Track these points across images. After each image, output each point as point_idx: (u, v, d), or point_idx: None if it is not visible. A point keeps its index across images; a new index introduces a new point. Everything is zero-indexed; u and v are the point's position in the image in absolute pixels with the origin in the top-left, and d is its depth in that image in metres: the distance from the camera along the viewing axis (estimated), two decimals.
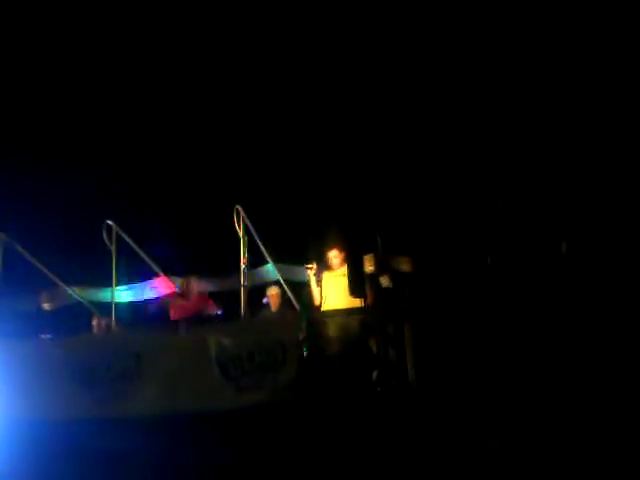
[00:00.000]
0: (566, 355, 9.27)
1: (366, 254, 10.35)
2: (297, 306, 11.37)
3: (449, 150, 12.88)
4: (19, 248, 11.27)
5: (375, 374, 9.65)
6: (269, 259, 11.37)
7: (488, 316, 9.65)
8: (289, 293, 11.59)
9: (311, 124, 14.24)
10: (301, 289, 11.46)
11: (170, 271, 12.36)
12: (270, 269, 11.75)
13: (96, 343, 10.41)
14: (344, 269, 10.38)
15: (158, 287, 12.64)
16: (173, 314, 11.48)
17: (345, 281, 10.24)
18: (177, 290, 11.93)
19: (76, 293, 12.41)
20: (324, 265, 10.60)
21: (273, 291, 11.38)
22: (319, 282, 10.50)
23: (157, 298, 12.50)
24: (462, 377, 9.36)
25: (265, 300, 11.32)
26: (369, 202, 10.76)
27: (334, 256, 10.65)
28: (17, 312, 11.67)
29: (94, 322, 12.10)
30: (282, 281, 11.59)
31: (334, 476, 8.78)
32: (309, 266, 10.51)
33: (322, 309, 10.55)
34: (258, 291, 11.43)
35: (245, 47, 14.37)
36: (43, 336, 11.21)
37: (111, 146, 14.76)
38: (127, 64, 14.55)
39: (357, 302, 10.13)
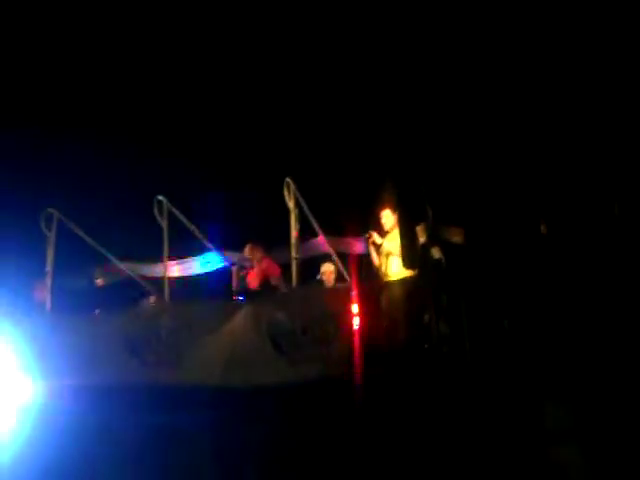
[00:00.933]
0: (622, 327, 9.19)
1: (417, 225, 10.36)
2: (348, 278, 11.33)
3: (501, 117, 12.75)
4: (71, 225, 11.38)
5: (428, 345, 9.63)
6: (320, 231, 11.31)
7: (543, 287, 9.59)
8: (340, 266, 11.57)
9: (361, 93, 14.19)
10: (351, 261, 11.46)
11: (220, 246, 12.40)
12: (320, 242, 11.70)
13: (147, 315, 10.59)
14: (396, 235, 10.38)
15: (209, 262, 12.72)
16: (250, 282, 11.54)
17: (398, 252, 10.26)
18: (241, 260, 11.91)
19: (128, 269, 12.50)
20: (376, 227, 10.61)
21: (327, 268, 11.39)
22: (376, 252, 10.53)
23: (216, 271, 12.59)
24: (516, 349, 9.34)
25: (318, 277, 11.33)
26: (420, 173, 10.67)
27: (386, 216, 10.65)
28: (70, 288, 11.84)
29: (150, 300, 12.23)
30: (333, 254, 11.57)
31: (386, 450, 8.85)
32: (368, 235, 10.53)
33: (377, 280, 10.58)
34: (311, 267, 11.44)
35: (289, 14, 14.34)
36: (97, 311, 11.35)
37: (162, 120, 14.84)
38: (179, 33, 14.61)
39: (410, 273, 10.15)
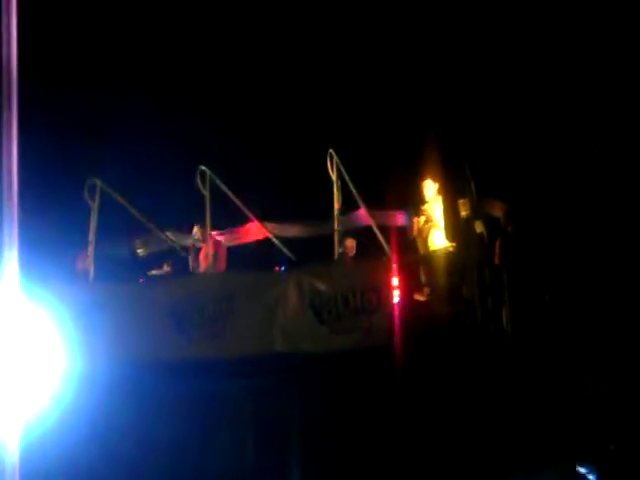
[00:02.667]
0: None
1: (461, 198, 10.39)
2: (388, 250, 11.36)
3: (547, 93, 12.70)
4: (115, 194, 11.48)
5: (468, 319, 9.68)
6: (362, 204, 11.36)
7: (586, 262, 9.60)
8: (380, 238, 11.59)
9: (405, 63, 14.18)
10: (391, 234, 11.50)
11: (262, 217, 12.47)
12: (362, 214, 11.72)
13: (190, 285, 10.66)
14: (436, 206, 10.44)
15: (250, 232, 12.79)
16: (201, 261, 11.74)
17: (438, 224, 10.33)
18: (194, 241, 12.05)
19: (170, 238, 12.63)
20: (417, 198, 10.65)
21: (349, 242, 11.46)
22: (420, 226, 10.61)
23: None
24: (558, 325, 9.37)
25: (340, 250, 11.38)
26: (463, 146, 10.69)
27: (427, 186, 10.70)
28: (113, 258, 11.96)
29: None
30: (375, 227, 11.59)
31: (425, 420, 8.96)
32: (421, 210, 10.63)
33: (418, 252, 10.66)
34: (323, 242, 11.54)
35: None
36: (140, 281, 11.51)
37: (205, 91, 14.93)
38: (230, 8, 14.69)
39: (451, 246, 10.20)
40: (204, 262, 11.74)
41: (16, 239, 3.76)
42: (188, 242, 12.55)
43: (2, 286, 3.73)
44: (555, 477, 8.52)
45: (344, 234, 11.38)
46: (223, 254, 11.97)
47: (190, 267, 11.96)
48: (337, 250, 10.59)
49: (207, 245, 11.68)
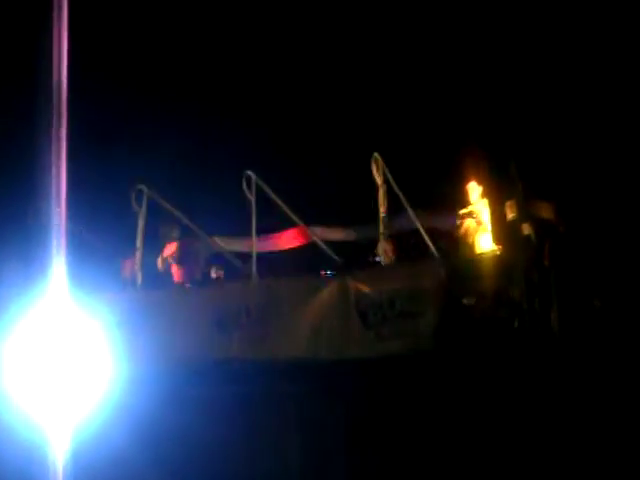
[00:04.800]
0: None
1: (508, 200, 10.43)
2: (436, 254, 11.43)
3: (596, 94, 12.68)
4: (161, 200, 11.70)
5: (517, 323, 9.71)
6: (409, 207, 11.45)
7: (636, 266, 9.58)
8: (428, 240, 11.66)
9: (451, 64, 14.25)
10: (442, 236, 11.58)
11: (310, 222, 12.60)
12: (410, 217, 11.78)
13: (236, 291, 10.87)
14: (482, 208, 10.50)
15: (296, 237, 12.94)
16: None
17: (485, 226, 10.40)
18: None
19: (217, 244, 12.78)
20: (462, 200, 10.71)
21: (386, 245, 11.31)
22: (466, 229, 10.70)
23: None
24: (607, 329, 9.36)
25: (378, 259, 11.46)
26: (512, 147, 10.73)
27: (472, 188, 10.78)
28: (163, 258, 12.14)
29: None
30: (421, 229, 11.66)
31: (472, 427, 9.01)
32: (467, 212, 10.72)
33: (465, 255, 10.76)
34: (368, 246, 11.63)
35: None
36: (187, 286, 11.71)
37: (252, 97, 15.12)
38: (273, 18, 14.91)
39: (498, 248, 10.26)
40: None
41: (64, 247, 3.91)
42: (237, 248, 12.76)
43: (52, 293, 3.89)
44: None
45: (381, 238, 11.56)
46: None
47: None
48: (381, 254, 10.67)
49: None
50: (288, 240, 12.98)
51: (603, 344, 9.15)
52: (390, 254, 11.44)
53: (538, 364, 9.21)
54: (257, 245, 11.90)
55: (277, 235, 12.96)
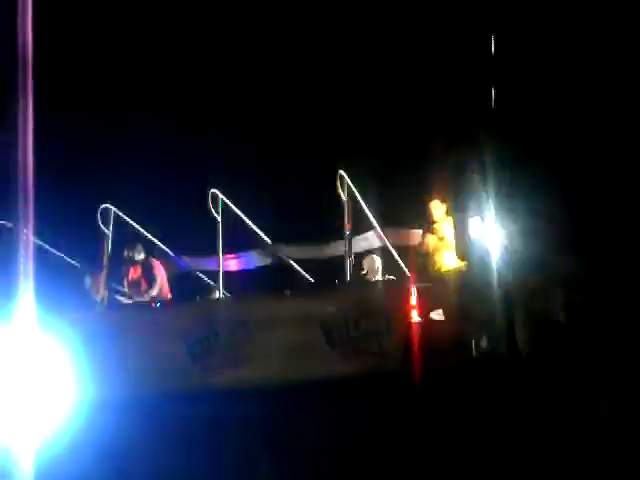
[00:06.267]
0: None
1: (472, 217, 10.62)
2: (407, 271, 11.59)
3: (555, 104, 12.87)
4: (128, 220, 11.87)
5: (483, 340, 9.87)
6: (376, 225, 11.62)
7: (599, 281, 9.76)
8: (397, 258, 11.83)
9: (412, 83, 14.45)
10: (409, 254, 11.74)
11: (276, 240, 12.74)
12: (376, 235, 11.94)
13: (204, 311, 10.92)
14: (445, 226, 10.70)
15: (265, 256, 13.06)
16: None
17: (449, 243, 10.60)
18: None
19: (185, 262, 12.92)
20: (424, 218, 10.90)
21: (370, 262, 11.67)
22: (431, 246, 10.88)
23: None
24: (574, 344, 9.56)
25: (364, 272, 11.64)
26: (475, 164, 10.92)
27: (435, 206, 10.99)
28: (129, 281, 12.25)
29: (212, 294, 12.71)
30: (390, 247, 11.82)
31: (437, 444, 9.16)
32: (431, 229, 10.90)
33: (430, 273, 10.92)
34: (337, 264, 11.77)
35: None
36: (153, 305, 11.83)
37: (216, 115, 15.27)
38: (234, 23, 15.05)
39: (463, 265, 10.45)
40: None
41: (32, 266, 4.01)
42: (205, 267, 12.88)
43: (17, 314, 3.98)
44: None
45: (363, 254, 11.69)
46: (165, 281, 12.29)
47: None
48: (348, 272, 10.81)
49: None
50: (257, 258, 13.13)
51: (568, 361, 9.36)
52: (376, 270, 11.68)
53: (503, 381, 9.39)
54: (225, 264, 12.13)
55: (246, 254, 13.12)
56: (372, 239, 11.93)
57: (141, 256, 12.09)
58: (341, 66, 14.88)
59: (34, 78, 4.13)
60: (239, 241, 12.55)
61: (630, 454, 8.74)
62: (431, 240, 10.97)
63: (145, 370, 9.99)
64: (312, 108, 15.06)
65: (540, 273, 9.98)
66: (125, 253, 12.07)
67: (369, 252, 11.89)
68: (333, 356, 9.75)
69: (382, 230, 11.77)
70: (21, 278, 4.06)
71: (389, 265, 12.02)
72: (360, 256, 11.72)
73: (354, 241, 11.16)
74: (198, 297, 12.58)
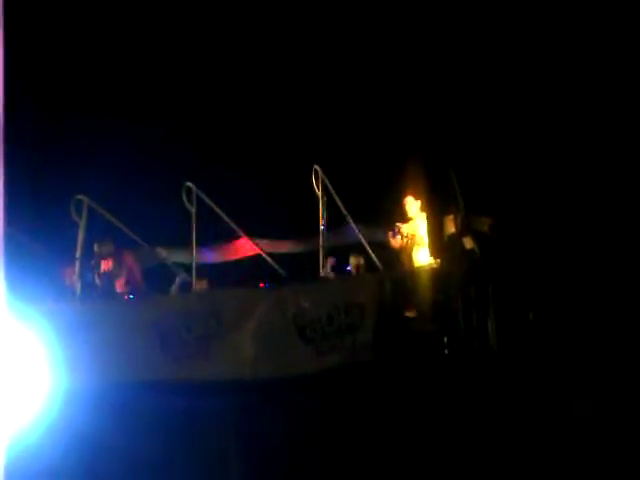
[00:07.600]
0: None
1: (447, 215, 10.81)
2: (380, 266, 11.73)
3: (533, 106, 13.05)
4: (102, 211, 11.88)
5: (454, 336, 10.06)
6: (350, 219, 11.71)
7: (569, 279, 9.97)
8: (371, 253, 11.94)
9: (390, 79, 14.58)
10: (383, 250, 11.88)
11: (252, 233, 12.86)
12: (350, 230, 12.06)
13: (176, 303, 11.09)
14: (419, 223, 10.87)
15: (240, 249, 13.19)
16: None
17: (422, 240, 10.78)
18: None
19: (161, 254, 13.00)
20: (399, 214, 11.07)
21: (356, 261, 11.81)
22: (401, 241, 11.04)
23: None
24: (545, 341, 9.77)
25: (348, 268, 11.81)
26: (451, 163, 11.09)
27: (409, 203, 11.17)
28: (100, 274, 12.33)
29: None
30: (363, 241, 11.94)
31: (412, 435, 9.35)
32: (397, 228, 11.08)
33: (403, 269, 11.09)
34: (339, 257, 11.96)
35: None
36: (126, 297, 11.93)
37: (191, 107, 15.36)
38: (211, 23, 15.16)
39: (436, 262, 10.64)
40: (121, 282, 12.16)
41: (3, 255, 4.08)
42: (180, 259, 12.97)
43: None
44: None
45: (349, 251, 11.86)
46: (137, 272, 12.38)
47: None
48: (322, 267, 10.96)
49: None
50: (232, 252, 13.24)
51: (538, 357, 9.57)
52: (360, 267, 11.82)
53: (475, 376, 9.60)
54: (200, 256, 12.19)
55: (221, 246, 13.23)
56: (347, 234, 12.02)
57: (111, 249, 12.13)
58: (317, 61, 14.98)
59: (6, 67, 4.21)
60: (216, 234, 12.63)
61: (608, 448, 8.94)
62: (404, 237, 11.10)
63: (118, 361, 10.06)
64: (288, 103, 15.17)
65: (512, 269, 10.17)
66: (95, 248, 12.12)
67: (352, 248, 12.03)
68: (307, 351, 9.90)
69: (358, 226, 11.85)
70: None
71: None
72: (346, 253, 11.89)
73: (328, 236, 11.27)
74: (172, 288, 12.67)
